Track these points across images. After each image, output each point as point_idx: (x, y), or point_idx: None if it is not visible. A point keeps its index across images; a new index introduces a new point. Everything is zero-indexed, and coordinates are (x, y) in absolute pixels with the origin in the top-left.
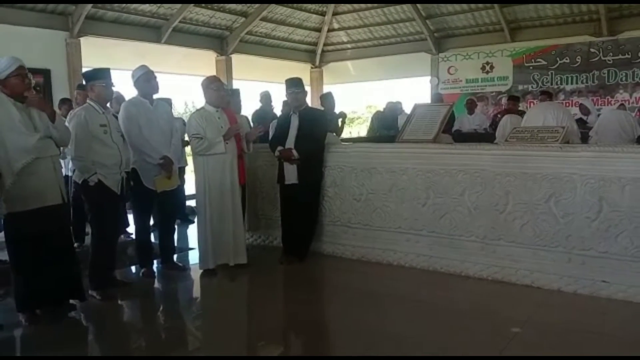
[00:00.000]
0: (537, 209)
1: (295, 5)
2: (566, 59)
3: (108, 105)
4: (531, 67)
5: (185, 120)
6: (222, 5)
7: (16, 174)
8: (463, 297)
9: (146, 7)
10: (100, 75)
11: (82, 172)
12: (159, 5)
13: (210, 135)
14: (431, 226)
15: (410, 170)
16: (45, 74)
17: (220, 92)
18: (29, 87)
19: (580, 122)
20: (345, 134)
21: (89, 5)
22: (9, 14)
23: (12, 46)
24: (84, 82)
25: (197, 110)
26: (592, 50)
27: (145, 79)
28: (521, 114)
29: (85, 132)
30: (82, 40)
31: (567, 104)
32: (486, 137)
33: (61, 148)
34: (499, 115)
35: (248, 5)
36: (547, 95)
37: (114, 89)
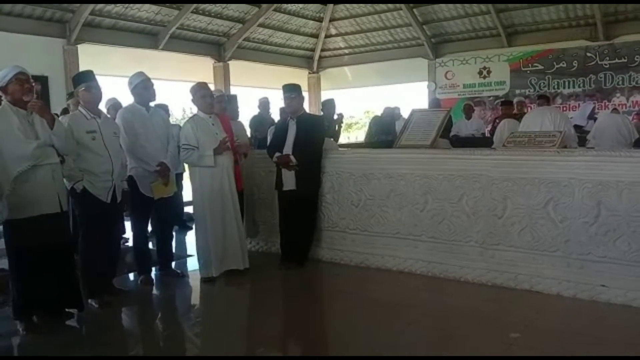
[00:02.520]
0: (535, 214)
1: (292, 11)
2: (563, 64)
3: (103, 109)
4: (528, 72)
5: (180, 125)
6: (219, 11)
7: (12, 181)
8: (462, 303)
9: (143, 13)
10: (81, 79)
11: (69, 180)
12: (156, 12)
13: (204, 141)
14: (430, 231)
15: (408, 176)
16: (43, 81)
17: (207, 100)
18: (27, 92)
19: (577, 127)
20: (343, 139)
21: (86, 13)
22: (7, 22)
23: (10, 53)
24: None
25: (191, 117)
26: (588, 54)
27: (143, 87)
28: (519, 118)
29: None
30: (80, 47)
31: (565, 108)
32: (484, 141)
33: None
34: (497, 120)
35: (245, 11)
36: (545, 99)
37: (111, 96)
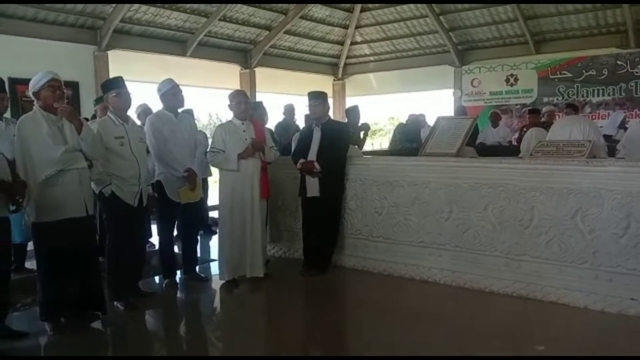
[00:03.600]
0: (563, 225)
1: (318, 18)
2: (592, 71)
3: (134, 114)
4: (556, 80)
5: (207, 134)
6: (246, 19)
7: (40, 185)
8: (487, 314)
9: (172, 21)
10: (111, 85)
11: (97, 184)
12: (184, 19)
13: (232, 146)
14: (454, 241)
15: (433, 184)
16: (74, 86)
17: (241, 106)
18: (59, 98)
19: (607, 136)
20: (367, 146)
21: (117, 20)
22: (41, 29)
23: (43, 59)
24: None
25: (223, 123)
26: (619, 62)
27: (173, 93)
28: (546, 126)
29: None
30: (110, 53)
31: (594, 117)
32: (510, 150)
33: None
34: (524, 129)
35: (272, 19)
36: (573, 108)
37: (141, 102)
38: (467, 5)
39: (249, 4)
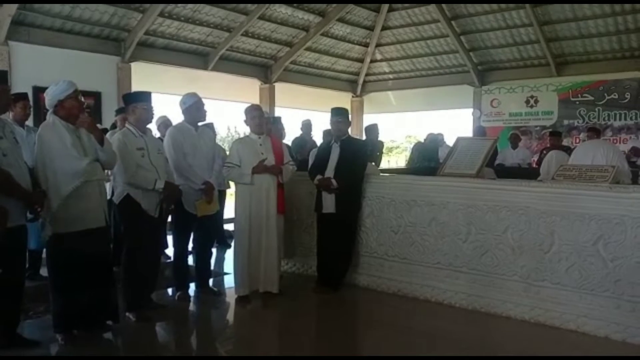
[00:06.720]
0: (585, 251)
1: (339, 36)
2: (614, 95)
3: (154, 126)
4: (577, 102)
5: (225, 146)
6: (268, 35)
7: (64, 198)
8: (503, 339)
9: (195, 35)
10: (142, 97)
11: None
12: (207, 33)
13: (247, 160)
14: (472, 263)
15: (451, 205)
16: (97, 96)
17: (255, 120)
18: (83, 109)
19: (630, 162)
20: (383, 163)
21: (141, 32)
22: (66, 39)
23: (67, 69)
24: (124, 105)
25: (240, 138)
26: None
27: (197, 107)
28: (566, 149)
29: (126, 153)
30: (133, 65)
31: (615, 141)
32: (530, 172)
33: (107, 171)
34: (544, 151)
35: (293, 35)
36: (595, 132)
37: (162, 114)
38: (488, 26)
39: (288, 3)
